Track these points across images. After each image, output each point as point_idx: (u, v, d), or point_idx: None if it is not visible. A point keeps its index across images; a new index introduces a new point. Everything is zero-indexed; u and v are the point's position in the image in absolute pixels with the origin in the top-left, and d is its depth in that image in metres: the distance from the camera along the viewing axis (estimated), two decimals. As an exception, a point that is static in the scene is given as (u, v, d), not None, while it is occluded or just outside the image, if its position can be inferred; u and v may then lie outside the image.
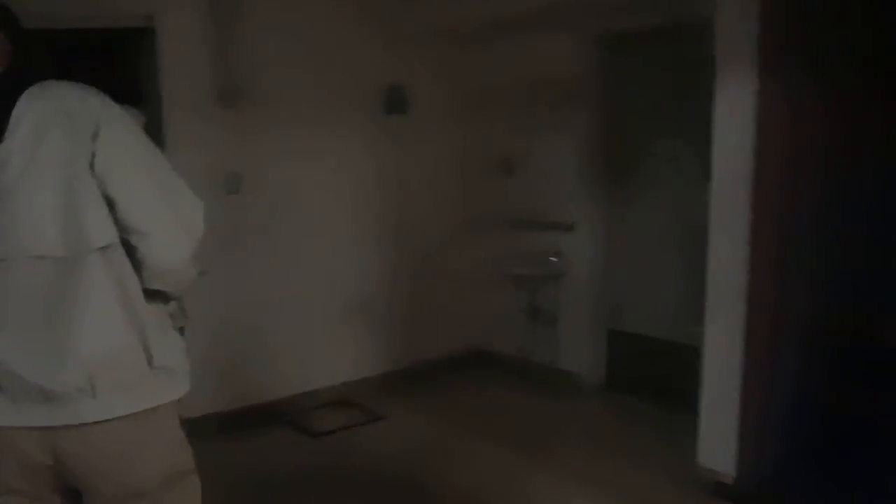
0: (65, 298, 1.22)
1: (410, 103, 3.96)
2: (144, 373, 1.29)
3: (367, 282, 3.95)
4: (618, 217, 3.86)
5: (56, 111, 1.23)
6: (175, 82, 3.25)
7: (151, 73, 3.31)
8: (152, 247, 1.28)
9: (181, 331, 2.44)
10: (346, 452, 3.27)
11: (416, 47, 3.91)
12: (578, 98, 3.75)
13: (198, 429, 3.35)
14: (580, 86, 3.73)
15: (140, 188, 1.27)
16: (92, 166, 1.22)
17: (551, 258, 3.96)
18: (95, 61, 4.13)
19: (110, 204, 1.25)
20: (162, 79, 3.27)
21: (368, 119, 3.83)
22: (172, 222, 1.32)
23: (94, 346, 1.22)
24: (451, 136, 4.15)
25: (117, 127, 1.26)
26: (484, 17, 3.58)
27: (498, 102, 4.11)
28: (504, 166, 4.18)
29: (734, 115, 2.54)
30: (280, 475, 3.06)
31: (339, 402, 3.79)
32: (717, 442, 2.71)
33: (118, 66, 3.87)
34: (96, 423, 1.24)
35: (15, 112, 1.22)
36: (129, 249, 1.28)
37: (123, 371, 1.26)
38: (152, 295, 1.34)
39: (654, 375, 3.64)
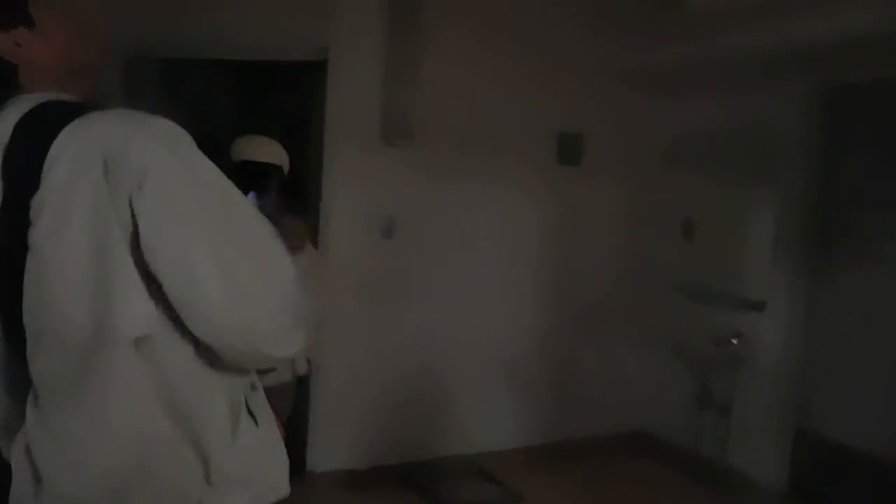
0: (82, 397, 0.93)
1: (585, 152, 3.61)
2: (197, 489, 0.99)
3: (517, 343, 3.60)
4: (820, 298, 3.27)
5: (94, 155, 0.90)
6: (341, 115, 3.12)
7: (318, 104, 3.21)
8: (218, 338, 0.96)
9: (298, 381, 2.19)
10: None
11: (596, 93, 3.56)
12: (783, 155, 3.24)
13: (323, 483, 3.23)
14: (787, 142, 3.22)
15: (198, 265, 0.92)
16: (130, 234, 0.91)
17: (732, 339, 3.43)
18: (265, 88, 4.21)
19: (154, 281, 0.92)
20: (328, 111, 3.16)
21: (538, 167, 3.53)
22: (244, 305, 0.95)
23: (113, 459, 0.94)
24: (627, 191, 3.75)
25: (171, 178, 0.91)
26: (679, 62, 3.18)
27: (683, 156, 3.67)
28: (684, 228, 3.72)
29: None
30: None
31: (474, 472, 3.44)
32: None
33: (286, 93, 3.87)
34: None
35: (52, 152, 0.91)
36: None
37: (159, 492, 0.96)
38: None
39: (854, 495, 3.00)
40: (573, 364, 3.72)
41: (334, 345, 3.12)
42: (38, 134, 0.93)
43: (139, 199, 0.89)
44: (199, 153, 0.96)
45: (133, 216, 0.90)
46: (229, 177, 0.99)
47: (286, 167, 2.40)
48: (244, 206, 1.00)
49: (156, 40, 3.12)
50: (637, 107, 3.66)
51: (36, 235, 0.91)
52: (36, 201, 0.91)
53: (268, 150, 2.36)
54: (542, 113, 3.48)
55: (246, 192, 2.19)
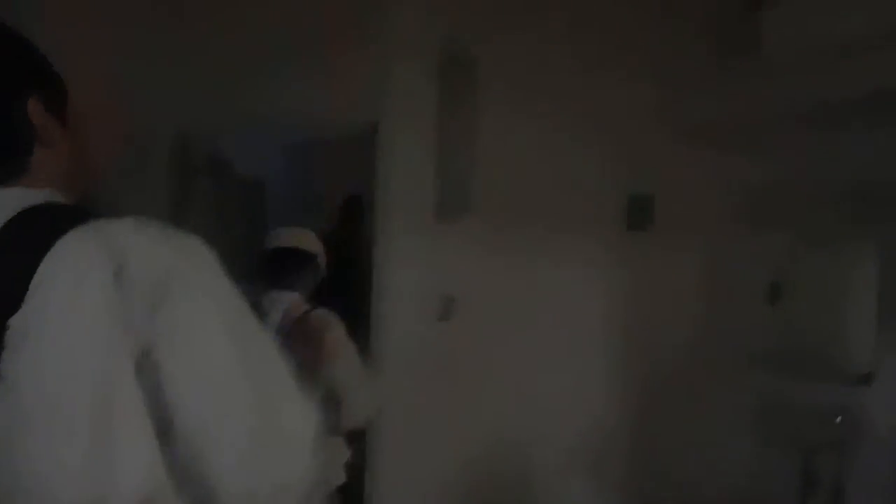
0: None
1: (657, 216, 3.35)
2: None
3: (590, 432, 3.30)
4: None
5: (102, 268, 0.73)
6: (392, 192, 2.97)
7: (368, 181, 3.10)
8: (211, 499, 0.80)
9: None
10: None
11: (665, 151, 3.31)
12: (885, 208, 2.90)
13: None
14: (889, 193, 2.88)
15: (221, 409, 0.78)
16: (143, 366, 0.74)
17: (836, 417, 3.05)
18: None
19: (165, 422, 0.76)
20: (378, 188, 3.02)
21: (606, 235, 3.29)
22: (252, 476, 0.81)
23: None
24: (704, 256, 3.44)
25: (197, 298, 0.78)
26: (757, 113, 2.91)
27: (766, 213, 3.35)
28: (771, 292, 3.38)
29: None
30: None
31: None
32: None
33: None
34: None
35: (44, 266, 0.73)
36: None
37: None
38: None
39: None
40: (657, 452, 3.38)
41: (388, 440, 2.90)
42: (27, 242, 0.76)
43: (155, 317, 0.74)
44: (225, 278, 0.83)
45: (147, 343, 0.74)
46: (261, 266, 0.85)
47: (321, 256, 2.26)
48: (266, 346, 0.87)
49: (205, 116, 3.11)
50: (711, 162, 3.36)
51: (13, 367, 0.73)
52: (16, 323, 0.73)
53: (300, 238, 2.23)
54: (608, 176, 3.25)
55: (277, 281, 2.10)
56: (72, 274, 0.74)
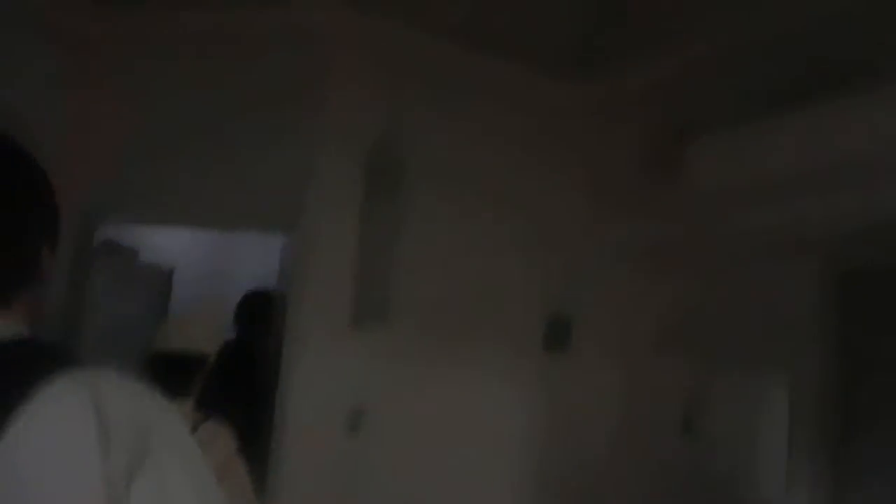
0: None
1: (575, 338, 3.32)
2: None
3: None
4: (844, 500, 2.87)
5: (87, 423, 0.71)
6: (306, 292, 2.84)
7: (283, 278, 2.96)
8: None
9: None
10: None
11: (589, 270, 3.31)
12: (797, 340, 2.95)
13: None
14: (801, 325, 2.94)
15: None
16: None
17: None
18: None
19: None
20: (292, 286, 2.89)
21: (524, 353, 3.21)
22: None
23: None
24: (621, 380, 3.41)
25: (173, 455, 0.76)
26: (679, 240, 2.96)
27: (683, 340, 3.37)
28: (685, 419, 3.36)
29: None
30: None
31: None
32: None
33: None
34: None
35: (25, 409, 0.70)
36: None
37: None
38: None
39: None
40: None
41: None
42: (8, 378, 0.73)
43: (134, 475, 0.72)
44: (188, 434, 0.84)
45: (121, 496, 0.71)
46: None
47: (213, 350, 2.06)
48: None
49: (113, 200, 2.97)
50: (633, 286, 3.39)
51: None
52: None
53: (189, 332, 2.03)
54: (529, 293, 3.22)
55: (165, 390, 1.87)
56: (57, 425, 0.71)
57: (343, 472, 2.77)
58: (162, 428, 0.77)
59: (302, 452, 2.73)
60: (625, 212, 3.09)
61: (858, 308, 2.86)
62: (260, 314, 3.17)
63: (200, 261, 4.01)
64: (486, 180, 3.13)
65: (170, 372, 1.91)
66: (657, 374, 3.40)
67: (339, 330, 2.84)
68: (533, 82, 3.17)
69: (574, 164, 3.23)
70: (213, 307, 3.49)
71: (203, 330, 2.07)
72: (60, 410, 0.71)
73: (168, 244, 3.78)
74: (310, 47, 2.88)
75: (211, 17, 2.95)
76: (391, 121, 2.97)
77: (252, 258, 3.84)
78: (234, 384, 2.24)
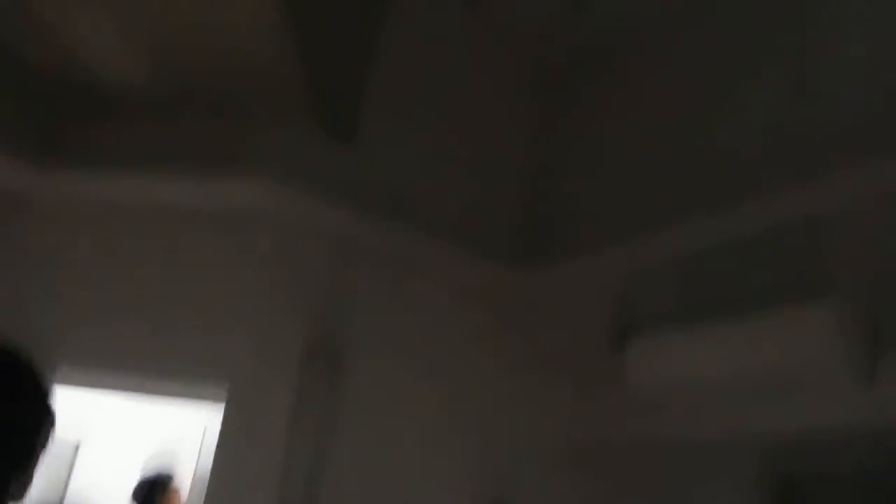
0: None
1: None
2: None
3: None
4: None
5: None
6: (225, 485, 2.59)
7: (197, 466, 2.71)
8: None
9: None
10: None
11: (530, 463, 3.16)
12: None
13: None
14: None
15: None
16: None
17: None
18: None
19: None
20: (211, 479, 2.64)
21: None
22: None
23: None
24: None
25: None
26: (617, 443, 2.85)
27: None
28: None
29: None
30: None
31: None
32: None
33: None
34: None
35: None
36: None
37: None
38: None
39: None
40: None
41: None
42: None
43: None
44: None
45: None
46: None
47: None
48: None
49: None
50: (571, 481, 3.26)
51: None
52: None
53: None
54: (467, 481, 3.03)
55: None
56: None
57: None
58: None
59: None
60: (564, 406, 3.00)
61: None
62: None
63: (110, 430, 3.69)
64: (427, 365, 3.03)
65: None
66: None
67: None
68: (477, 267, 3.16)
69: (517, 352, 3.17)
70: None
71: None
72: None
73: (76, 410, 3.47)
74: (252, 226, 2.82)
75: (154, 190, 2.89)
76: (332, 303, 2.88)
77: (168, 429, 3.56)
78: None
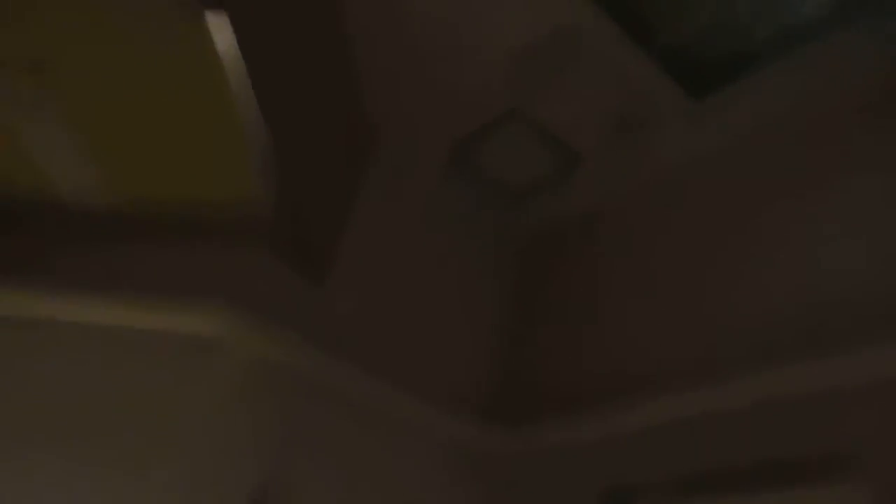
0: None
1: None
2: None
3: None
4: None
5: None
6: None
7: None
8: None
9: None
10: None
11: None
12: None
13: None
14: None
15: None
16: None
17: None
18: None
19: None
20: None
21: None
22: None
23: None
24: None
25: None
26: None
27: None
28: None
29: None
30: None
31: None
32: None
33: None
34: None
35: None
36: None
37: None
38: None
39: None
40: None
41: None
42: None
43: None
44: None
45: None
46: None
47: None
48: None
49: None
50: None
51: None
52: None
53: None
54: None
55: None
56: None
57: None
58: None
59: None
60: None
61: None
62: None
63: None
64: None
65: None
66: None
67: None
68: (450, 421, 2.89)
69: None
70: None
71: None
72: None
73: None
74: (204, 356, 2.54)
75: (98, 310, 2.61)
76: (284, 448, 2.56)
77: None
78: None
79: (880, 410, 2.05)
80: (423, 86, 3.06)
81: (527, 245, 3.50)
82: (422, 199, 3.33)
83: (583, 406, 2.69)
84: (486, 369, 3.18)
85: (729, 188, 2.86)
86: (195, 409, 2.43)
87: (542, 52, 2.85)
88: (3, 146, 2.57)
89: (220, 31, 2.04)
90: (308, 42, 2.69)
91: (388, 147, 3.30)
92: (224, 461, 2.42)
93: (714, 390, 2.37)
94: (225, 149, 2.41)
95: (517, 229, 3.50)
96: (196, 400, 2.45)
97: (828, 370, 2.13)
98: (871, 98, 2.56)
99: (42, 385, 2.56)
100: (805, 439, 2.17)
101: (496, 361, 3.21)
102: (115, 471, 2.37)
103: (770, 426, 2.32)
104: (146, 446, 2.41)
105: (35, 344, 2.65)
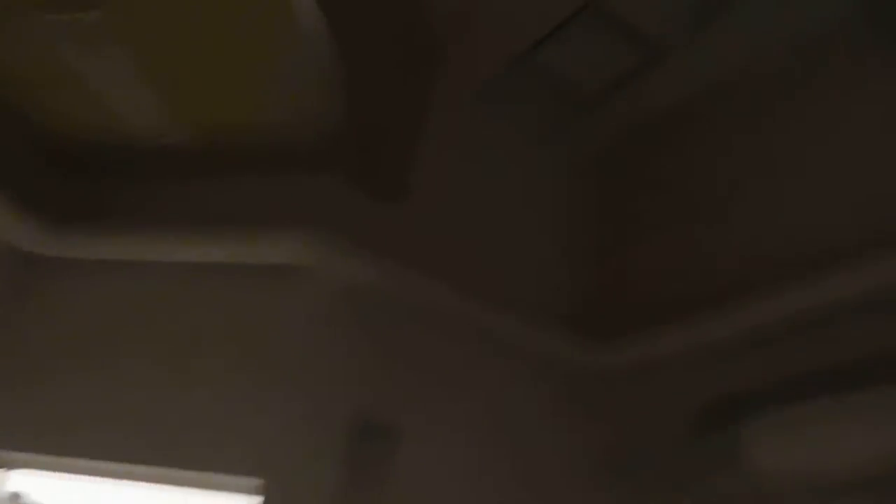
0: None
1: None
2: None
3: None
4: None
5: None
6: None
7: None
8: None
9: None
10: None
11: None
12: None
13: None
14: None
15: None
16: None
17: None
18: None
19: None
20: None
21: None
22: None
23: None
24: None
25: None
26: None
27: None
28: None
29: None
30: None
31: None
32: None
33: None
34: None
35: None
36: None
37: None
38: None
39: None
40: None
41: None
42: None
43: None
44: None
45: None
46: None
47: None
48: None
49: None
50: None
51: None
52: None
53: None
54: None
55: None
56: None
57: None
58: None
59: None
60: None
61: None
62: None
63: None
64: (493, 441, 2.68)
65: None
66: None
67: None
68: (542, 335, 2.83)
69: (593, 438, 2.80)
70: None
71: None
72: None
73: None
74: (290, 285, 2.53)
75: (183, 248, 2.62)
76: (381, 372, 2.55)
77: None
78: None
79: None
80: (489, -14, 2.88)
81: (607, 148, 3.32)
82: (493, 109, 3.18)
83: (684, 312, 2.57)
84: (577, 281, 3.08)
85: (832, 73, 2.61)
86: (293, 337, 2.44)
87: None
88: (74, 90, 2.56)
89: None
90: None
91: (455, 56, 3.14)
92: (326, 387, 2.44)
93: (828, 281, 2.22)
94: (290, 65, 2.33)
95: (596, 132, 3.32)
96: (292, 329, 2.45)
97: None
98: None
99: (133, 324, 2.61)
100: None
101: (587, 273, 3.11)
102: (223, 400, 2.43)
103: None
104: (249, 378, 2.45)
105: (122, 286, 2.69)
